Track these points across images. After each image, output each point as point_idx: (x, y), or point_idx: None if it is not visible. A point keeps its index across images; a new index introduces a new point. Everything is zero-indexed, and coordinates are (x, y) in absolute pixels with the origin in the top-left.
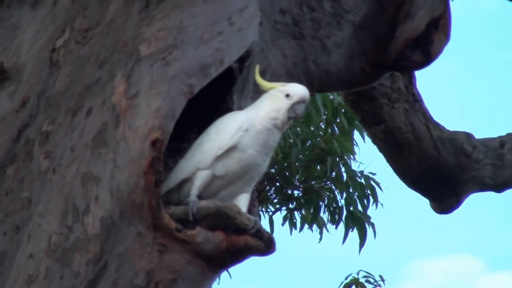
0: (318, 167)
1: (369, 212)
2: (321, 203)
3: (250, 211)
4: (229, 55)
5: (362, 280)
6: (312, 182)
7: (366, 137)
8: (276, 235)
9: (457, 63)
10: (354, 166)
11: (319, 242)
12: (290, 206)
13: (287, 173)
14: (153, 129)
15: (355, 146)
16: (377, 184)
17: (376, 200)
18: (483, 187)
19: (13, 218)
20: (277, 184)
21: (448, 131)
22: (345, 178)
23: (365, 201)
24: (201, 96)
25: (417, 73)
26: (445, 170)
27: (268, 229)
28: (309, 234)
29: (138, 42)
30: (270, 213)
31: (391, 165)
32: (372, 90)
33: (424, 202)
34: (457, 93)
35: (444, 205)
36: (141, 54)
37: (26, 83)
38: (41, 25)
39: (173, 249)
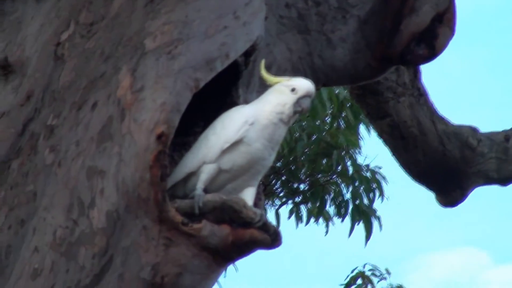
0: (324, 161)
1: (375, 206)
2: (327, 196)
3: (256, 204)
4: (235, 49)
5: (368, 273)
6: (318, 176)
7: (372, 131)
8: (282, 229)
9: (462, 57)
10: (360, 160)
11: (325, 235)
12: (296, 199)
13: (293, 167)
14: (158, 123)
15: (360, 140)
16: (383, 177)
17: (382, 194)
18: (488, 181)
19: (18, 212)
20: (283, 178)
21: (453, 125)
22: (351, 172)
23: (371, 194)
24: (206, 90)
25: (422, 67)
26: (450, 164)
27: (274, 222)
28: (315, 227)
29: (143, 36)
30: (276, 207)
31: (396, 158)
32: (377, 84)
33: (430, 195)
34: (462, 87)
35: (449, 199)
36: (146, 48)
37: (31, 77)
38: (46, 19)
39: (179, 242)
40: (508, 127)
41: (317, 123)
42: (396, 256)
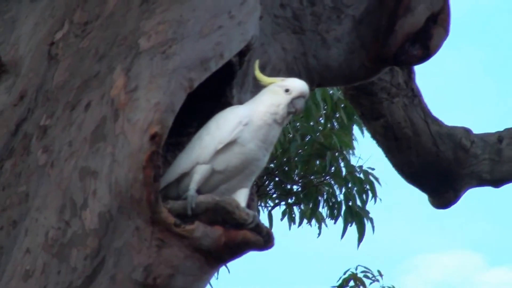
0: (317, 162)
1: (367, 207)
2: (320, 198)
3: (249, 205)
4: (229, 49)
5: (360, 275)
6: (311, 177)
7: (365, 132)
8: (275, 230)
9: (456, 58)
10: (353, 161)
11: (317, 237)
12: (289, 201)
13: (286, 168)
14: (152, 123)
15: (354, 141)
16: (376, 179)
17: (375, 195)
18: (481, 182)
19: (10, 213)
20: (276, 179)
21: (447, 126)
22: (344, 173)
23: (364, 196)
24: (200, 90)
25: (417, 68)
26: (443, 165)
27: (267, 224)
28: (308, 229)
29: (137, 35)
30: (269, 208)
31: (390, 160)
32: (371, 85)
33: (423, 197)
34: (455, 88)
35: (442, 200)
36: (140, 48)
37: (24, 76)
38: (40, 18)
39: (172, 244)
40: (501, 128)
41: (310, 124)
42: (389, 258)
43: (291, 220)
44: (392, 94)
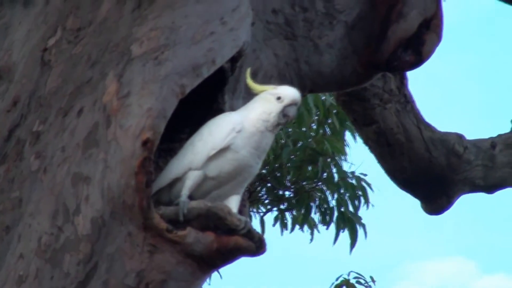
0: (310, 168)
1: (360, 213)
2: (312, 203)
3: (240, 211)
4: (221, 55)
5: (353, 281)
6: (303, 183)
7: (358, 138)
8: (267, 236)
9: (449, 64)
10: (346, 167)
11: (310, 242)
12: (281, 206)
13: (279, 174)
14: (144, 129)
15: (346, 147)
16: (368, 185)
17: (367, 201)
18: (474, 188)
19: (3, 218)
20: (268, 184)
21: (440, 132)
22: (336, 179)
23: (356, 202)
24: (192, 96)
25: (409, 74)
26: (436, 171)
27: (259, 229)
28: (300, 234)
29: (130, 41)
30: (261, 214)
31: (382, 166)
32: (364, 91)
33: (416, 203)
34: (448, 94)
35: (435, 206)
36: (132, 54)
37: (17, 82)
38: (33, 24)
39: (164, 249)
40: (494, 135)
41: (303, 129)
42: (382, 265)
43: (283, 226)
44: (384, 100)
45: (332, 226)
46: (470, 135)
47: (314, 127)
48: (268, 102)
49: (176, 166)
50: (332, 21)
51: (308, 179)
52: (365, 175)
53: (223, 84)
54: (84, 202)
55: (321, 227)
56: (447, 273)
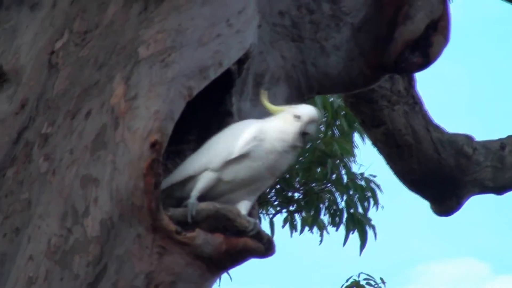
0: (319, 170)
1: (369, 215)
2: (321, 205)
3: (250, 213)
4: (228, 57)
5: (363, 282)
6: (313, 185)
7: (366, 139)
8: (276, 238)
9: (457, 65)
10: (355, 168)
11: (319, 244)
12: (291, 208)
13: (288, 176)
14: (152, 131)
15: (355, 149)
16: (378, 186)
17: (376, 202)
18: (484, 190)
19: (13, 220)
20: (278, 186)
21: (448, 133)
22: (345, 181)
23: (366, 203)
24: (199, 98)
25: (417, 76)
26: (445, 172)
27: (268, 231)
28: (310, 236)
29: (136, 44)
30: (271, 216)
31: (391, 167)
32: (371, 92)
33: (426, 204)
34: (457, 95)
35: (444, 207)
36: (139, 56)
37: (25, 85)
38: (40, 28)
39: (173, 251)
40: (503, 136)
41: None
42: (392, 266)
43: (293, 227)
44: (392, 101)
45: (342, 228)
46: (479, 137)
47: (323, 128)
48: (287, 122)
49: (193, 164)
50: (338, 23)
51: (317, 180)
52: (374, 176)
53: (230, 86)
54: (93, 204)
55: (330, 229)
56: (459, 275)
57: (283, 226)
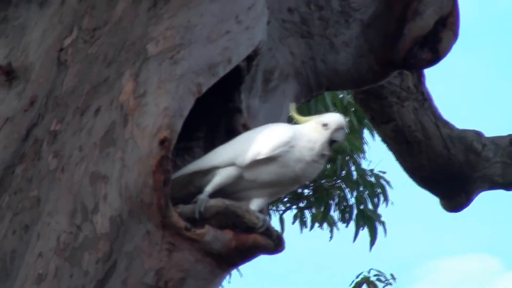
0: (328, 166)
1: (379, 211)
2: (331, 201)
3: (260, 210)
4: (237, 54)
5: (373, 278)
6: (322, 181)
7: (376, 136)
8: (286, 234)
9: (467, 61)
10: (364, 164)
11: (329, 240)
12: (301, 205)
13: None
14: (161, 128)
15: (365, 145)
16: (387, 182)
17: (386, 199)
18: (493, 185)
19: (22, 217)
20: None
21: (458, 129)
22: (355, 177)
23: (376, 199)
24: (209, 95)
25: (426, 72)
26: (454, 168)
27: (278, 228)
28: (320, 232)
29: (145, 41)
30: (281, 212)
31: (401, 163)
32: (381, 88)
33: (436, 200)
34: (466, 91)
35: (454, 203)
36: (148, 53)
37: (34, 82)
38: (49, 25)
39: (182, 247)
40: None
41: None
42: (402, 262)
43: (303, 223)
44: (402, 97)
45: (352, 224)
46: (488, 133)
47: None
48: (314, 131)
49: (220, 155)
50: (348, 19)
51: (327, 177)
52: (384, 172)
53: (240, 83)
54: (102, 201)
55: (340, 225)
56: (470, 270)
57: (293, 223)
